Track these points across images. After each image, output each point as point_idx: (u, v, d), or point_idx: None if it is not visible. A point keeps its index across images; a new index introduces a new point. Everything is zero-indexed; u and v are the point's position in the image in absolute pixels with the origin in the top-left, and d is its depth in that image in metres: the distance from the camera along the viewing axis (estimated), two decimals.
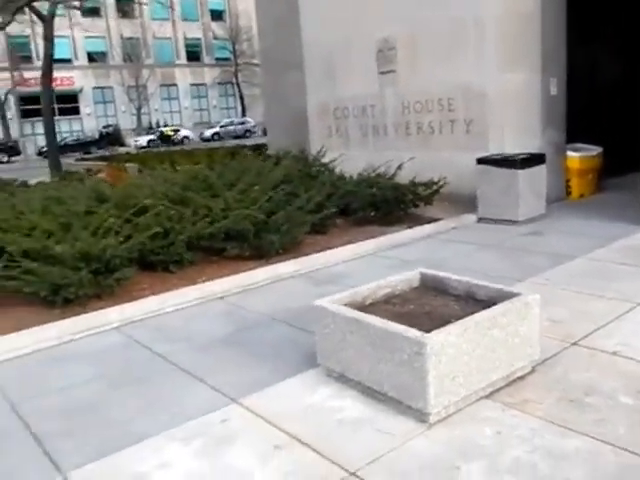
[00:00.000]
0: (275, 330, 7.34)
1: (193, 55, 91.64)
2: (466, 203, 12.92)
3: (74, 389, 6.11)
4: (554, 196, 13.52)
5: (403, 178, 13.17)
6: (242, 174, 12.20)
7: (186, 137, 75.92)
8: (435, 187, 13.12)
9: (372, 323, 5.09)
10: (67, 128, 78.13)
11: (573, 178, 14.47)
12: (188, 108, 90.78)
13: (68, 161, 37.22)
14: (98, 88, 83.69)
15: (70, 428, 5.30)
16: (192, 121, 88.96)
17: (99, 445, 4.94)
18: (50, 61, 29.98)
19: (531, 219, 12.16)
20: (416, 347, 4.67)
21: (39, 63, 53.13)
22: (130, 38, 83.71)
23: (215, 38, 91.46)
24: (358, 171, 13.88)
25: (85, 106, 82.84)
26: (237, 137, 70.46)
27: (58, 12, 31.47)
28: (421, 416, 4.81)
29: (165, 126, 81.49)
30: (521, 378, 5.46)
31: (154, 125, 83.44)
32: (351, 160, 15.21)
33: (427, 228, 12.10)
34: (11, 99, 71.58)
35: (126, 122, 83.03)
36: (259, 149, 21.35)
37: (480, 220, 12.55)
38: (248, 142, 39.04)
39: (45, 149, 47.91)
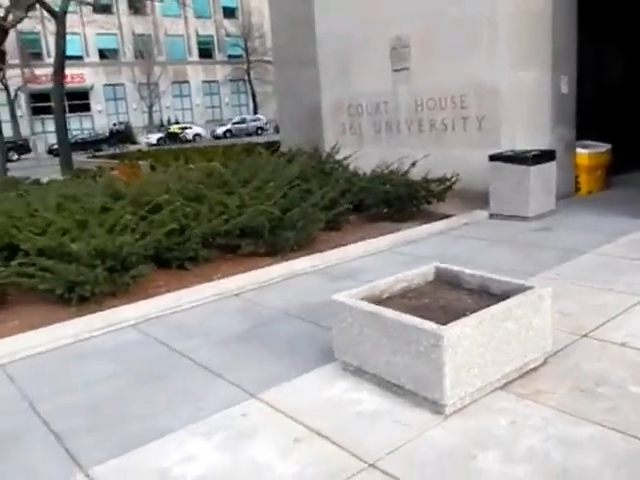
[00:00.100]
0: (291, 325, 7.39)
1: (205, 52, 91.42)
2: (477, 199, 12.98)
3: (93, 386, 6.13)
4: (563, 192, 13.58)
5: (415, 175, 13.27)
6: (257, 171, 12.24)
7: (198, 134, 75.24)
8: (448, 183, 13.22)
9: (389, 316, 5.17)
10: (77, 125, 77.40)
11: (582, 174, 14.57)
12: (200, 105, 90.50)
13: (79, 159, 37.01)
14: (109, 85, 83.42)
15: (90, 424, 5.32)
16: (204, 118, 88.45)
17: (121, 441, 4.97)
18: (62, 58, 29.73)
19: (541, 215, 12.23)
20: (433, 339, 4.75)
21: (50, 60, 53.00)
22: (142, 35, 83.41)
23: (227, 35, 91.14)
24: (371, 168, 13.96)
25: (96, 103, 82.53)
26: (249, 135, 69.77)
27: (70, 9, 31.27)
28: (437, 407, 4.89)
29: (172, 123, 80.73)
30: (534, 369, 5.56)
31: (165, 123, 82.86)
32: (364, 157, 15.25)
33: (440, 224, 12.18)
34: (21, 96, 71.54)
35: (137, 120, 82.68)
36: (272, 146, 21.29)
37: (492, 216, 12.60)
38: (260, 140, 38.77)
39: (56, 147, 47.66)
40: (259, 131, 76.18)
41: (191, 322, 7.85)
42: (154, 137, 71.75)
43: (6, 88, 67.60)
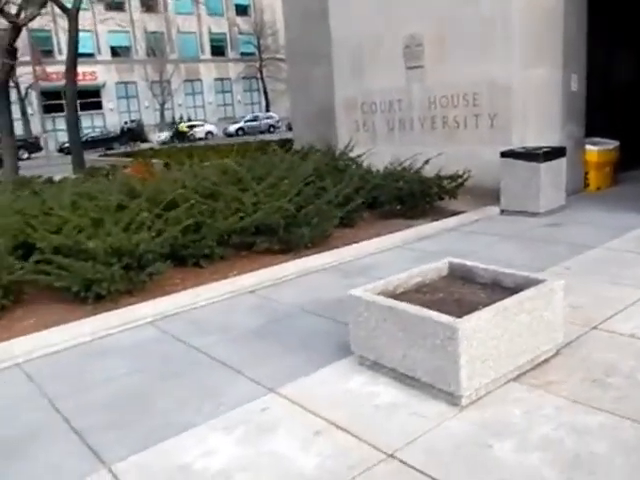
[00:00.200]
0: (306, 321, 7.47)
1: (218, 50, 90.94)
2: (488, 196, 13.07)
3: (112, 383, 6.18)
4: (572, 188, 13.70)
5: (428, 172, 13.33)
6: (272, 168, 12.26)
7: (210, 132, 74.79)
8: (460, 180, 13.29)
9: (406, 310, 5.28)
10: (89, 124, 76.76)
11: (591, 171, 14.70)
12: (212, 103, 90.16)
13: (91, 157, 36.90)
14: (121, 83, 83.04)
15: (111, 421, 5.37)
16: (216, 116, 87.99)
17: (142, 437, 5.03)
18: (74, 56, 29.22)
19: (551, 211, 12.36)
20: (449, 332, 4.86)
21: (61, 57, 52.91)
22: (154, 32, 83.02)
23: (240, 33, 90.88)
24: (384, 165, 14.04)
25: (108, 101, 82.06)
26: (261, 132, 68.91)
27: (82, 6, 31.07)
28: (453, 399, 5.01)
29: (179, 122, 79.13)
30: (546, 361, 5.70)
31: (177, 120, 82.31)
32: (378, 154, 15.38)
33: (451, 221, 12.28)
34: (32, 94, 71.39)
35: (149, 118, 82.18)
36: (285, 144, 21.30)
37: (503, 212, 12.71)
38: (273, 137, 38.62)
39: (66, 145, 47.47)
40: (271, 129, 75.44)
41: (208, 319, 7.90)
42: (166, 135, 71.04)
43: (17, 86, 67.29)
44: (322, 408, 5.22)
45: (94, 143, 63.70)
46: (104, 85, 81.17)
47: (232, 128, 75.64)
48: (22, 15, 27.79)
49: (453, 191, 13.35)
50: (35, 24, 39.39)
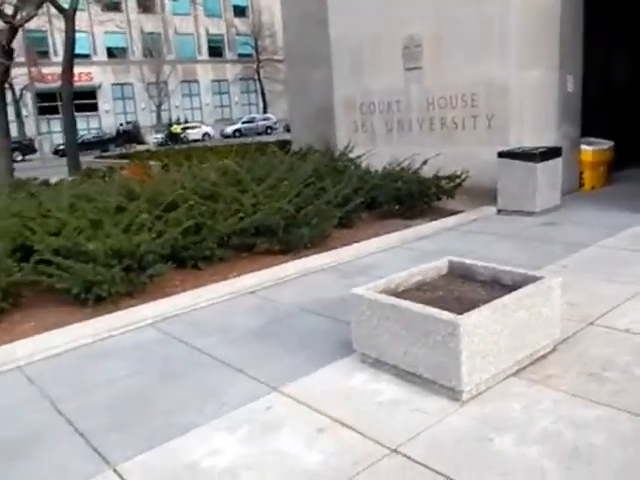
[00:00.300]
0: (307, 321, 7.51)
1: (215, 51, 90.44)
2: (485, 196, 13.17)
3: (114, 384, 6.19)
4: (568, 188, 13.84)
5: (426, 172, 13.42)
6: (271, 169, 12.28)
7: (207, 134, 74.34)
8: (457, 180, 13.38)
9: (408, 307, 5.35)
10: (84, 125, 75.12)
11: (586, 170, 14.84)
12: (209, 105, 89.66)
13: (86, 159, 36.54)
14: (117, 84, 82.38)
15: (114, 422, 5.38)
16: (213, 118, 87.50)
17: (146, 437, 5.05)
18: (71, 57, 29.44)
19: (547, 210, 12.50)
20: (450, 328, 4.94)
21: (56, 59, 52.59)
22: (151, 33, 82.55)
23: (237, 34, 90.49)
24: (383, 166, 14.10)
25: (104, 103, 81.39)
26: (258, 134, 68.08)
27: (79, 6, 30.90)
28: (454, 395, 5.09)
29: (173, 123, 78.16)
30: (544, 356, 5.80)
31: (174, 122, 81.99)
32: (376, 155, 15.45)
33: (449, 220, 12.37)
34: (27, 96, 71.08)
35: (145, 119, 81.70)
36: (284, 146, 21.33)
37: (500, 212, 12.83)
38: (271, 139, 38.51)
39: (61, 147, 47.24)
40: (268, 130, 75.16)
41: (208, 320, 7.93)
42: (159, 137, 70.68)
43: (11, 87, 67.02)
44: (326, 406, 5.27)
45: (89, 145, 63.11)
46: (100, 86, 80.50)
47: (229, 129, 75.52)
48: (18, 16, 27.71)
49: (451, 191, 13.44)
50: (31, 25, 39.20)
